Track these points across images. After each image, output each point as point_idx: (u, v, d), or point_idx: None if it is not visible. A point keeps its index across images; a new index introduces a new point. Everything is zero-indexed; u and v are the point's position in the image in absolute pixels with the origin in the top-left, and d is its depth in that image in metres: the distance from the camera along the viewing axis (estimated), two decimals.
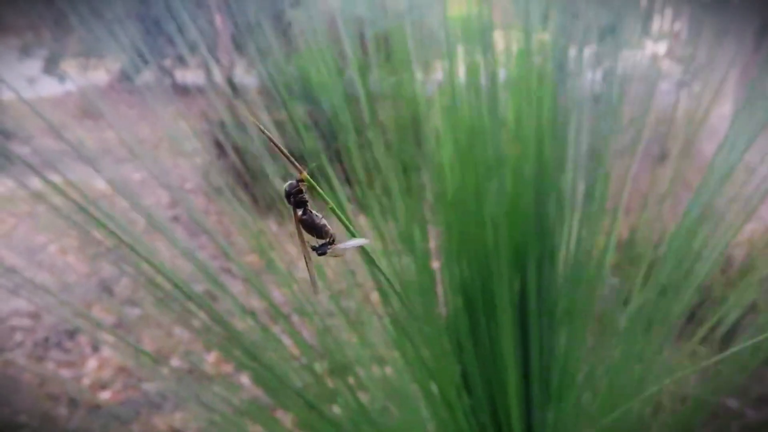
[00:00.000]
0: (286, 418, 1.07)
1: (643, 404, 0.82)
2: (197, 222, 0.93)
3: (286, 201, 0.37)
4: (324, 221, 0.37)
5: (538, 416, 0.80)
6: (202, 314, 0.80)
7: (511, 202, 0.76)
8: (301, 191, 0.36)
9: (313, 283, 0.40)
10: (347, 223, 0.35)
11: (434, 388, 0.81)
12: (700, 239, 0.83)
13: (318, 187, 0.34)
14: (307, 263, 0.39)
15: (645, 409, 0.84)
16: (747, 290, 0.84)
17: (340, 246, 0.37)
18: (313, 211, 0.37)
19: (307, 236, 0.38)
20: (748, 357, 0.75)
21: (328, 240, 0.37)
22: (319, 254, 0.38)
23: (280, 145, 0.32)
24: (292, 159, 0.33)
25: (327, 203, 0.34)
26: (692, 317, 0.87)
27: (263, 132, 0.32)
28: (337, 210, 0.34)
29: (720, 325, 0.81)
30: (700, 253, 0.84)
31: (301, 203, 0.37)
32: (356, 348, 0.86)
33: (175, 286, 0.75)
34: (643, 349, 0.82)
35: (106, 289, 2.10)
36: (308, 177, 0.34)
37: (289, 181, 0.36)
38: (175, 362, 1.67)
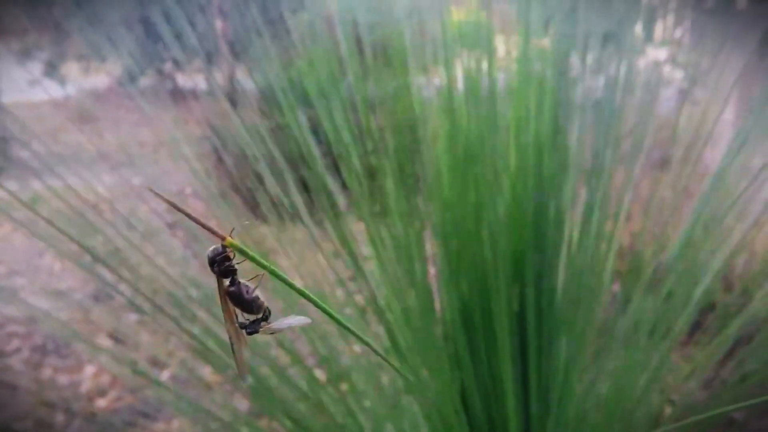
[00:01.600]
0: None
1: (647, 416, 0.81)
2: (192, 228, 0.92)
3: (210, 269, 0.31)
4: (257, 293, 0.32)
5: (537, 430, 0.78)
6: (194, 324, 0.79)
7: (510, 213, 0.75)
8: (228, 258, 0.31)
9: (240, 369, 0.34)
10: (296, 286, 0.29)
11: (431, 403, 0.80)
12: (704, 247, 0.82)
13: (249, 252, 0.28)
14: (232, 345, 0.33)
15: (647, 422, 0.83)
16: (752, 299, 0.83)
17: (275, 324, 0.32)
18: (243, 281, 0.32)
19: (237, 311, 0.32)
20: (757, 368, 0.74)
21: (260, 316, 0.33)
22: (249, 333, 0.33)
23: (189, 212, 0.28)
24: (209, 226, 0.28)
25: (266, 269, 0.29)
26: (696, 326, 0.85)
27: (173, 205, 0.27)
28: (280, 273, 0.28)
29: (724, 334, 0.80)
30: (703, 262, 0.82)
31: (227, 272, 0.31)
32: (351, 360, 0.84)
33: (155, 305, 0.73)
34: (646, 358, 0.80)
35: (106, 294, 2.09)
36: (234, 242, 0.29)
37: (213, 246, 0.31)
38: (173, 369, 1.66)
